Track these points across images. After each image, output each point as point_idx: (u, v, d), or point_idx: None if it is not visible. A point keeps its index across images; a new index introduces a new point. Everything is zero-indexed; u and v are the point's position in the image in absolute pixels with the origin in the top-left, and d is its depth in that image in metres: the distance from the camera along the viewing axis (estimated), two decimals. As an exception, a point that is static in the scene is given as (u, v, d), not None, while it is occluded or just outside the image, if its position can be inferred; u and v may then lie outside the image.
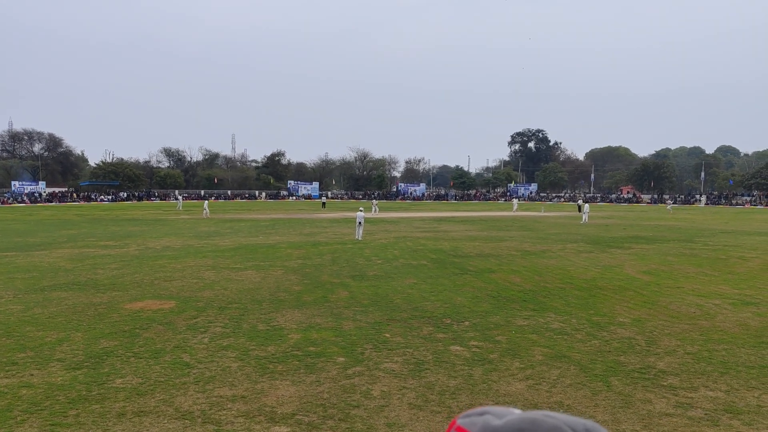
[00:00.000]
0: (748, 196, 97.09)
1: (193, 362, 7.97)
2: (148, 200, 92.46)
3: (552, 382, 7.28)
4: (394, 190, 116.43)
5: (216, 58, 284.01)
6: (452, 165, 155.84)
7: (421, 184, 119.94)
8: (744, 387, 7.08)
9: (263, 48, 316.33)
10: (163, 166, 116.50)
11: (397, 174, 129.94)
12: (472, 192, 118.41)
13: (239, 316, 10.75)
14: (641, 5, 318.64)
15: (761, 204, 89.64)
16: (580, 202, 66.94)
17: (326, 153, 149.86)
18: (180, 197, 67.11)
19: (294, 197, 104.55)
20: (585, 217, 42.68)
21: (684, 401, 6.63)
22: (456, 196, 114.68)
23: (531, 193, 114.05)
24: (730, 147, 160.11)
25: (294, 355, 8.32)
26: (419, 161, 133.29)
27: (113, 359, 8.10)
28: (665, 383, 7.20)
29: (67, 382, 7.20)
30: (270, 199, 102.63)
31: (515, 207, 66.58)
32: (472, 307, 11.61)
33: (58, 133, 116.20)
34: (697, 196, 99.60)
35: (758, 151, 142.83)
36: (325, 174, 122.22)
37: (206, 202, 49.87)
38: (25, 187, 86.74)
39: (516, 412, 0.70)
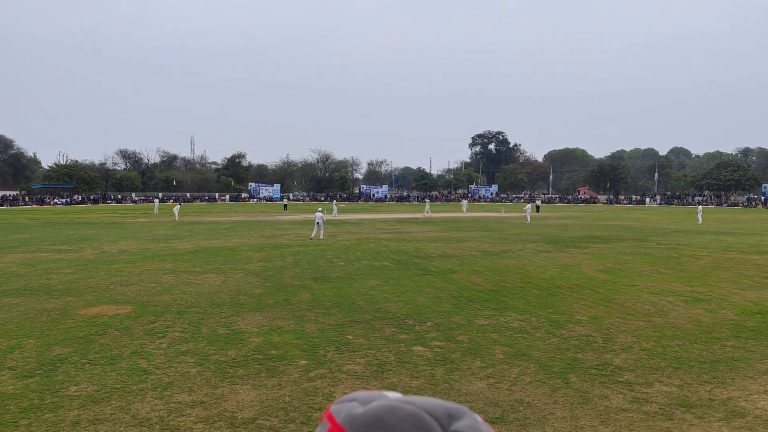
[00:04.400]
0: (699, 196, 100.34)
1: (151, 368, 7.79)
2: (103, 203, 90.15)
3: (512, 380, 7.38)
4: (357, 191, 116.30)
5: (175, 60, 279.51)
6: (414, 167, 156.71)
7: (383, 185, 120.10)
8: (696, 381, 7.30)
9: (223, 51, 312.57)
10: (119, 168, 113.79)
11: (359, 176, 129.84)
12: (434, 193, 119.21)
13: (198, 320, 10.57)
14: (597, 9, 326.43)
15: (712, 204, 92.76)
16: (538, 202, 68.02)
17: (288, 155, 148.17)
18: (156, 200, 67.21)
19: (255, 199, 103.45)
20: (528, 216, 43.32)
21: (639, 396, 6.80)
22: (418, 197, 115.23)
23: (492, 194, 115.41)
24: (682, 149, 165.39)
25: (255, 358, 8.22)
26: (381, 163, 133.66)
27: (67, 366, 7.86)
28: (621, 379, 7.38)
29: (18, 390, 6.95)
30: (231, 201, 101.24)
31: (465, 208, 65.41)
32: (434, 307, 11.68)
33: (8, 135, 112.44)
34: (647, 198, 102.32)
35: (709, 153, 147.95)
36: (286, 176, 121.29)
37: (177, 206, 48.25)
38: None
39: (389, 396, 0.70)
